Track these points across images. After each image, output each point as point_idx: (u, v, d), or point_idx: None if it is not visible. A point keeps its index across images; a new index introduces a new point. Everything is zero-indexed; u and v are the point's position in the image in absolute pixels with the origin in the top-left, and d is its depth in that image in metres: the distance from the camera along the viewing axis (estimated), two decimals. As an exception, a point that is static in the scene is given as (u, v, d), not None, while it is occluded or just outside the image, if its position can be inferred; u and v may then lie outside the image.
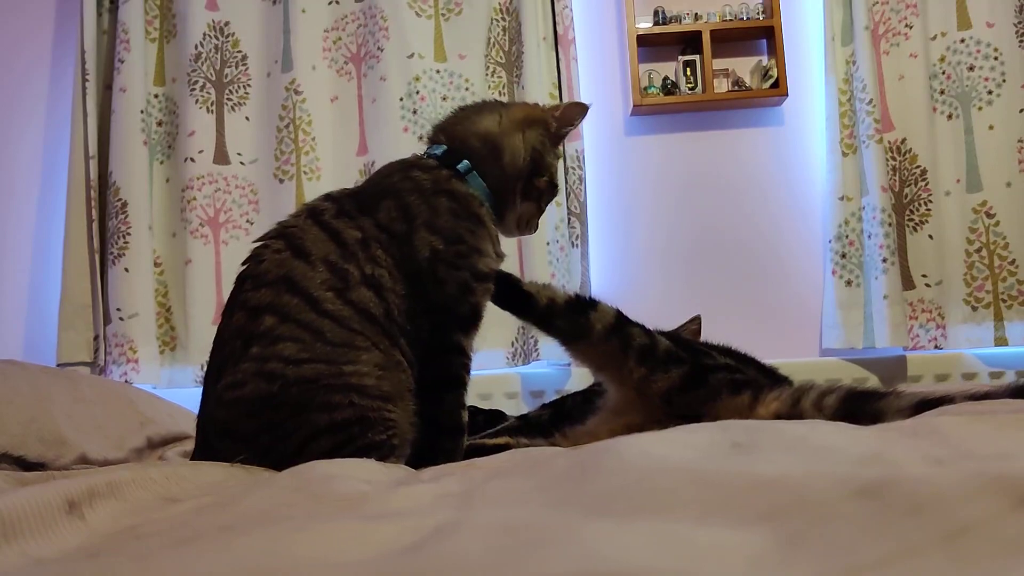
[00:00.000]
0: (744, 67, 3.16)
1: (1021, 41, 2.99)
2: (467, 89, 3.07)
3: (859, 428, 0.70)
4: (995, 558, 0.36)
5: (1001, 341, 2.90)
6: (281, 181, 3.01)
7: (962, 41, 3.02)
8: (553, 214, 2.94)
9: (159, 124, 3.08)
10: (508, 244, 3.01)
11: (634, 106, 3.05)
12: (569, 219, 2.98)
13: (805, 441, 0.61)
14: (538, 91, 3.00)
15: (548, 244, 2.92)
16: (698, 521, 0.46)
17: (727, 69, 3.15)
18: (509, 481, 0.74)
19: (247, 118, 3.08)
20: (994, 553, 0.37)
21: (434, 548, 0.46)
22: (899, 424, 0.73)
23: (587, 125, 3.10)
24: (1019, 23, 2.99)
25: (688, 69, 3.11)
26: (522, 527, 0.47)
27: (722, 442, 0.66)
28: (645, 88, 3.10)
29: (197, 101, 3.04)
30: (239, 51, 3.09)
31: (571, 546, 0.42)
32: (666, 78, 3.13)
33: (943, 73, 3.04)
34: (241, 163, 3.06)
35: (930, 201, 2.99)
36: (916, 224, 3.00)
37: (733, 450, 0.63)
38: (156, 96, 3.08)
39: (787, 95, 3.07)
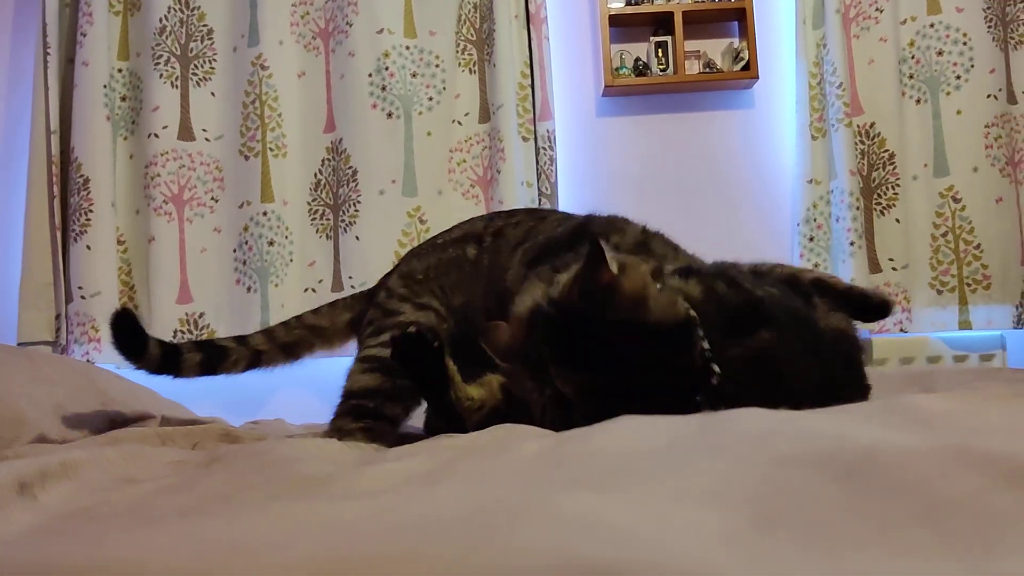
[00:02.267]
0: (716, 49, 3.16)
1: (990, 27, 3.00)
2: (437, 66, 3.04)
3: (833, 409, 0.69)
4: (979, 534, 0.35)
5: (965, 325, 2.93)
6: (247, 158, 2.97)
7: (931, 26, 3.03)
8: (524, 195, 2.93)
9: (123, 99, 3.02)
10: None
11: (606, 87, 3.04)
12: (540, 200, 2.96)
13: (780, 424, 0.60)
14: (510, 70, 2.97)
15: (518, 225, 2.90)
16: (673, 501, 0.45)
17: (699, 51, 3.14)
18: (479, 461, 0.73)
19: (212, 93, 3.02)
20: (978, 529, 0.36)
21: (405, 519, 0.44)
22: (869, 404, 0.73)
23: (558, 105, 3.08)
24: (988, 9, 3.01)
25: (660, 50, 3.09)
26: (494, 501, 0.46)
27: (695, 427, 0.65)
28: (617, 69, 3.08)
29: (162, 76, 2.98)
30: (205, 25, 3.03)
31: (546, 518, 0.41)
32: (638, 59, 3.11)
33: (912, 58, 3.05)
34: (206, 139, 3.01)
35: (897, 185, 3.00)
36: (883, 208, 3.01)
37: (705, 434, 0.63)
38: (120, 70, 3.02)
39: (758, 78, 3.07)
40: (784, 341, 1.06)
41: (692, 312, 1.07)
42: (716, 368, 1.02)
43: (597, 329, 1.07)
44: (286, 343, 1.68)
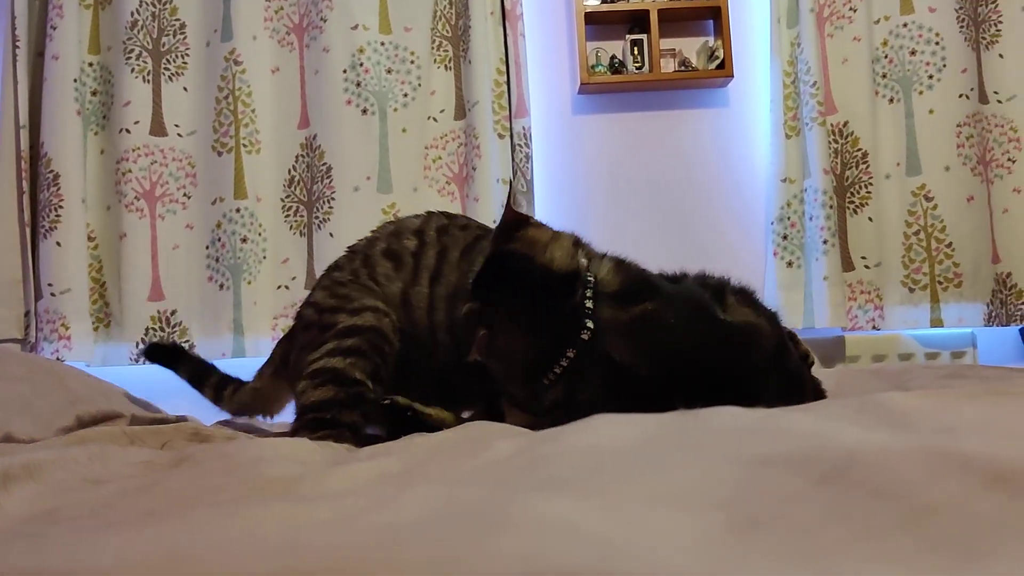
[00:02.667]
0: (691, 47, 3.16)
1: (962, 27, 3.03)
2: (412, 62, 3.02)
3: (808, 410, 0.69)
4: (963, 540, 0.35)
5: (937, 323, 2.96)
6: (220, 154, 2.94)
7: (904, 25, 3.05)
8: (499, 192, 2.92)
9: (93, 94, 2.98)
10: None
11: (581, 84, 3.03)
12: (517, 197, 2.95)
13: (757, 423, 0.59)
14: (485, 67, 2.96)
15: (494, 221, 2.89)
16: (649, 504, 0.44)
17: (674, 49, 3.14)
18: (451, 461, 0.73)
19: (185, 88, 2.99)
20: (964, 534, 0.35)
21: (374, 522, 0.44)
22: (844, 402, 0.73)
23: (534, 103, 3.08)
24: (960, 9, 3.04)
25: (635, 48, 3.10)
26: (466, 506, 0.46)
27: (671, 425, 0.65)
28: (592, 66, 3.08)
29: (133, 70, 2.94)
30: (177, 19, 3.00)
31: (519, 524, 0.40)
32: (613, 57, 3.11)
33: (885, 57, 3.07)
34: (179, 135, 2.97)
35: (870, 184, 3.02)
36: (856, 206, 3.03)
37: (681, 433, 0.62)
38: (90, 64, 2.98)
39: (732, 76, 3.08)
40: (665, 313, 1.13)
41: (586, 270, 1.16)
42: (590, 324, 1.10)
43: (503, 260, 1.18)
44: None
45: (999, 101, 3.02)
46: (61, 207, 2.80)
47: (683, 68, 3.13)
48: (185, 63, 3.00)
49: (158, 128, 2.95)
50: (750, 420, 0.63)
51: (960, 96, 3.01)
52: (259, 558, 0.37)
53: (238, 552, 0.39)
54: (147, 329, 2.86)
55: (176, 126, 2.97)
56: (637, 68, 3.09)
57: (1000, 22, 3.03)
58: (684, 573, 0.34)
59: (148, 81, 2.96)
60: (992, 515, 0.36)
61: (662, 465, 0.53)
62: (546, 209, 3.09)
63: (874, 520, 0.38)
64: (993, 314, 2.96)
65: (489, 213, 2.89)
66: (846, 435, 0.49)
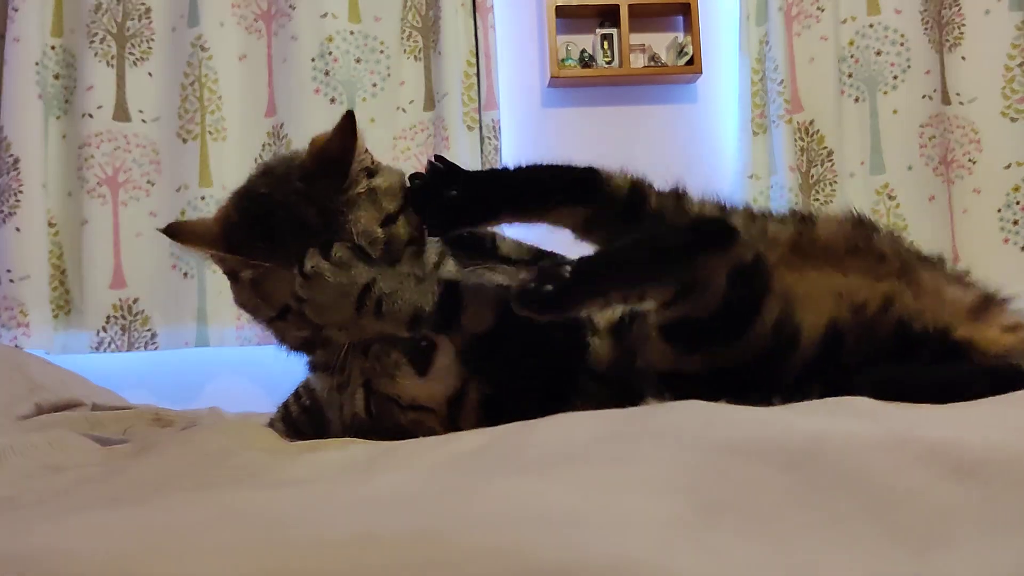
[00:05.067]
0: (661, 43, 3.18)
1: (926, 29, 3.07)
2: (382, 52, 3.00)
3: (772, 408, 0.69)
4: (928, 528, 0.36)
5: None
6: (185, 141, 2.90)
7: (871, 26, 3.08)
8: (467, 184, 2.91)
9: (56, 77, 2.92)
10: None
11: (551, 77, 3.03)
12: (483, 189, 2.95)
13: (723, 413, 0.60)
14: (455, 58, 2.95)
15: (461, 214, 2.89)
16: (621, 492, 0.44)
17: (644, 45, 3.15)
18: (421, 451, 0.72)
19: (150, 74, 2.95)
20: (927, 523, 0.36)
21: (351, 499, 0.43)
22: (808, 403, 0.74)
23: (504, 95, 3.07)
24: (925, 11, 3.07)
25: (606, 43, 3.10)
26: (437, 484, 0.45)
27: (638, 417, 0.65)
28: (563, 60, 3.09)
29: (97, 54, 2.89)
30: (142, 3, 2.95)
31: (493, 515, 0.40)
32: (584, 51, 3.12)
33: (852, 57, 3.10)
34: (143, 121, 2.93)
35: (835, 182, 3.06)
36: (821, 204, 3.06)
37: (647, 424, 0.62)
38: (53, 48, 2.92)
39: (701, 73, 3.09)
40: None
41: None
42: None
43: None
44: None
45: (961, 103, 3.06)
46: (21, 192, 2.75)
47: (653, 63, 3.14)
48: (150, 48, 2.95)
49: (122, 114, 2.91)
50: (715, 411, 0.63)
51: (923, 97, 3.05)
52: (236, 534, 0.37)
53: (211, 531, 0.39)
54: (108, 317, 2.82)
55: (140, 112, 2.93)
56: (607, 62, 3.10)
57: (963, 25, 3.07)
58: (651, 546, 0.34)
59: (112, 66, 2.91)
60: (954, 503, 0.37)
61: (629, 454, 0.54)
62: (514, 202, 3.08)
63: (838, 506, 0.39)
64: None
65: (457, 205, 2.88)
66: (812, 424, 0.49)
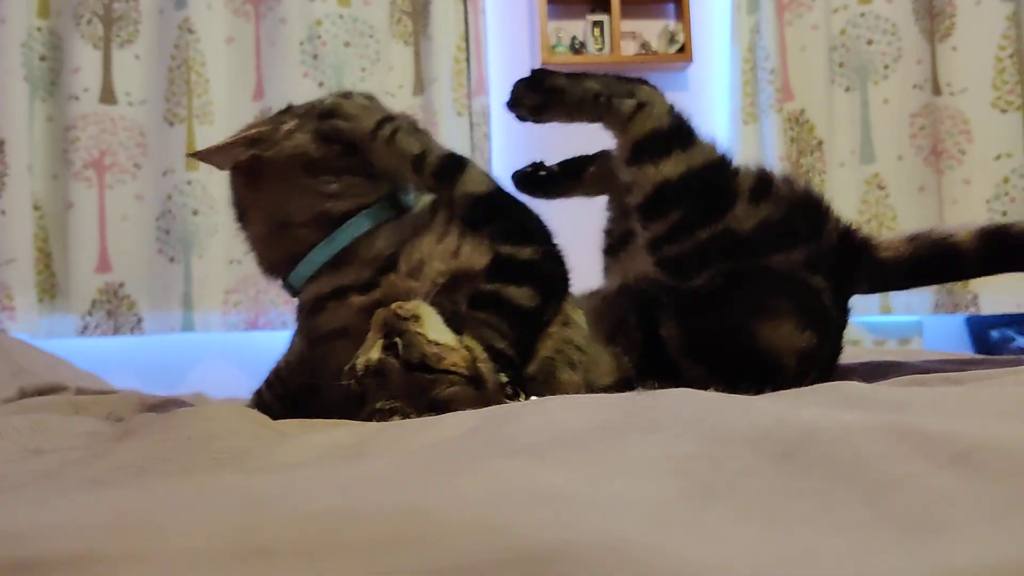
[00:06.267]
0: (652, 31, 3.16)
1: (917, 18, 3.06)
2: (371, 36, 2.98)
3: (764, 397, 0.69)
4: (923, 514, 0.35)
5: (886, 309, 3.00)
6: (171, 124, 2.88)
7: (862, 15, 3.08)
8: (456, 170, 2.90)
9: (42, 59, 2.89)
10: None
11: (542, 64, 3.02)
12: (472, 176, 2.94)
13: (716, 402, 0.59)
14: (445, 43, 2.94)
15: (450, 200, 2.88)
16: (606, 473, 0.43)
17: (635, 32, 3.14)
18: (408, 435, 0.72)
19: (137, 56, 2.92)
20: (923, 509, 0.35)
21: (336, 481, 0.42)
22: (798, 391, 0.73)
23: (494, 81, 3.06)
24: (916, 0, 3.07)
25: (596, 29, 3.09)
26: (425, 467, 0.45)
27: (629, 406, 0.64)
28: (553, 46, 3.07)
29: (83, 36, 2.86)
30: (129, -15, 2.92)
31: (479, 477, 0.39)
32: (574, 38, 3.10)
33: (843, 46, 3.09)
34: (129, 104, 2.90)
35: (825, 172, 3.05)
36: (811, 194, 3.06)
37: (640, 413, 0.62)
38: (39, 29, 2.89)
39: (692, 61, 3.09)
40: None
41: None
42: None
43: None
44: None
45: (951, 93, 3.06)
46: (6, 175, 2.72)
47: (643, 51, 3.13)
48: (137, 30, 2.93)
49: (108, 96, 2.88)
50: (707, 400, 0.63)
51: (914, 87, 3.05)
52: (216, 515, 0.36)
53: (192, 512, 0.38)
54: (93, 301, 2.80)
55: (127, 95, 2.90)
56: (598, 49, 3.09)
57: (954, 15, 3.07)
58: (643, 527, 0.33)
59: (99, 48, 2.88)
60: (951, 491, 0.36)
61: (620, 440, 0.53)
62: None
63: (833, 494, 0.38)
64: (940, 302, 3.01)
65: (446, 191, 2.87)
66: (806, 413, 0.49)
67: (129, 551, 0.33)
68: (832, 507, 0.37)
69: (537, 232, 1.15)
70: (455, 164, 1.18)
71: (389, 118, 1.18)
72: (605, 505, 0.37)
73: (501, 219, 1.14)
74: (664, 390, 0.73)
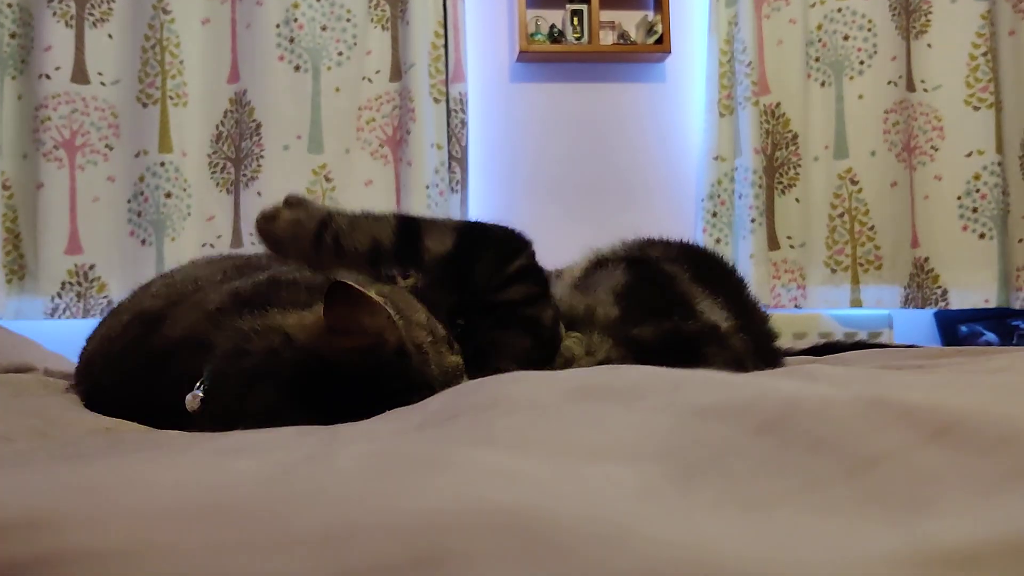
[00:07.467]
0: (630, 21, 3.16)
1: (894, 15, 3.09)
2: (348, 20, 2.96)
3: (741, 373, 0.69)
4: (907, 490, 0.35)
5: (856, 303, 3.03)
6: (145, 105, 2.84)
7: (839, 10, 3.10)
8: (433, 157, 2.89)
9: (12, 36, 2.84)
10: (387, 185, 2.94)
11: (520, 52, 3.01)
12: (450, 163, 2.93)
13: (693, 375, 0.59)
14: (423, 29, 2.92)
15: (428, 188, 2.87)
16: (588, 456, 0.43)
17: (613, 22, 3.14)
18: (384, 418, 0.71)
19: (110, 35, 2.88)
20: (906, 485, 0.35)
21: (306, 471, 0.42)
22: (774, 370, 0.73)
23: (471, 68, 3.04)
24: (892, -4, 3.09)
25: (575, 18, 3.08)
26: (402, 454, 0.44)
27: (605, 378, 0.64)
28: (532, 35, 3.06)
29: (55, 14, 2.82)
30: (103, -37, 2.88)
31: (458, 466, 0.39)
32: (553, 26, 3.10)
33: (819, 41, 3.11)
34: (102, 83, 2.86)
35: (799, 165, 3.07)
36: (784, 187, 3.08)
37: (615, 389, 0.62)
38: (9, 5, 2.84)
39: (670, 52, 3.09)
40: None
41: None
42: None
43: None
44: None
45: (925, 90, 3.09)
46: (-26, 153, 2.68)
47: (622, 41, 3.13)
48: (111, 9, 2.88)
49: (80, 75, 2.84)
50: (683, 375, 0.63)
51: (889, 83, 3.07)
52: (187, 488, 0.36)
53: (162, 485, 0.37)
54: (63, 283, 2.77)
55: (99, 74, 2.86)
56: (576, 39, 3.08)
57: (930, 12, 3.09)
58: (624, 517, 0.33)
59: (71, 26, 2.84)
60: (934, 466, 0.36)
61: (597, 417, 0.53)
62: (479, 177, 3.06)
63: (815, 471, 0.38)
64: (910, 297, 3.04)
65: (421, 179, 2.86)
66: (784, 387, 0.49)
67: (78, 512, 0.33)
68: (815, 485, 0.37)
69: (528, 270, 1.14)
70: (410, 234, 1.09)
71: (323, 224, 1.09)
72: (584, 491, 0.37)
73: (484, 264, 1.10)
74: (636, 365, 0.72)
